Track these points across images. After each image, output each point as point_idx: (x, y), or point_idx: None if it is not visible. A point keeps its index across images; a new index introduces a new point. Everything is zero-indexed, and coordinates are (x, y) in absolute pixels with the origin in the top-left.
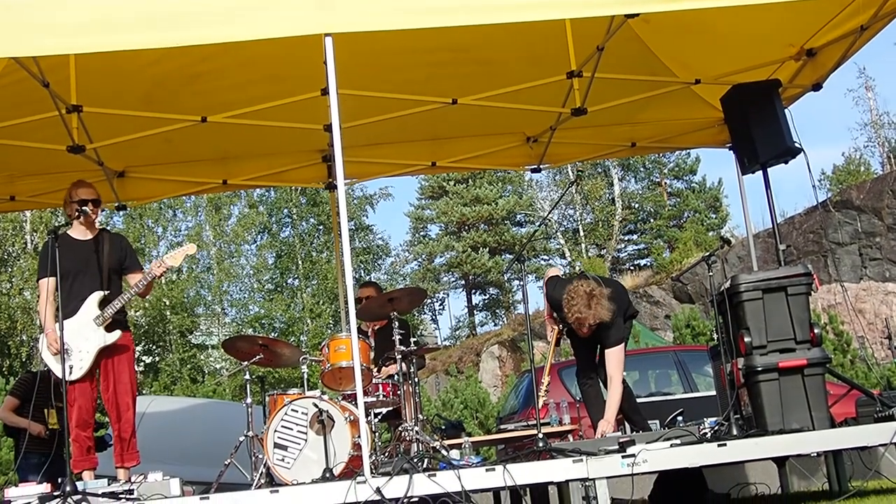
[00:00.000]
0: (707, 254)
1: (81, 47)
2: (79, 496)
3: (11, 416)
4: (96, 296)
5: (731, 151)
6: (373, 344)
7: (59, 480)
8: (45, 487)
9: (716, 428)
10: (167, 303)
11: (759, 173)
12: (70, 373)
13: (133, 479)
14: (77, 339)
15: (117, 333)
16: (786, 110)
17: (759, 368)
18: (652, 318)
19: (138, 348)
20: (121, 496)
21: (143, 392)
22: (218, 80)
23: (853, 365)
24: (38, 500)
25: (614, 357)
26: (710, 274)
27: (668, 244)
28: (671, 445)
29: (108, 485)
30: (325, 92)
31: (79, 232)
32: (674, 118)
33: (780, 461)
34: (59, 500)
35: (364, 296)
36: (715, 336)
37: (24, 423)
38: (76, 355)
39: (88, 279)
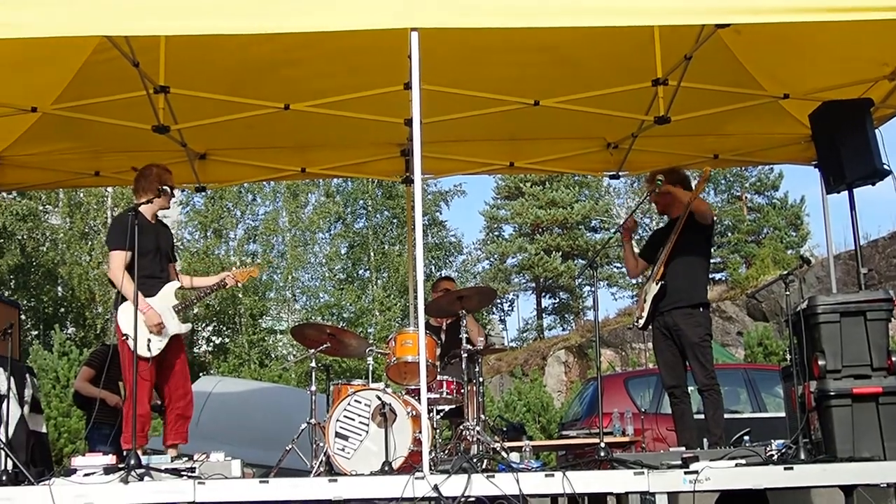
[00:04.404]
0: (785, 272)
1: (173, 29)
2: (142, 470)
3: (87, 386)
4: (174, 285)
5: (817, 169)
6: (442, 339)
7: (125, 453)
8: (111, 459)
9: (783, 450)
10: (240, 284)
11: (845, 193)
12: (149, 350)
13: (196, 456)
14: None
15: (189, 325)
16: (876, 131)
17: (832, 393)
18: (723, 334)
19: (209, 328)
20: (183, 472)
21: (211, 372)
22: (303, 68)
23: None
24: (102, 471)
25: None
26: (787, 293)
27: (745, 260)
28: (736, 465)
29: (171, 461)
30: (408, 86)
31: (148, 215)
32: (759, 132)
33: (848, 490)
34: (122, 472)
35: (443, 288)
36: (788, 357)
37: (98, 393)
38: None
39: (156, 260)
